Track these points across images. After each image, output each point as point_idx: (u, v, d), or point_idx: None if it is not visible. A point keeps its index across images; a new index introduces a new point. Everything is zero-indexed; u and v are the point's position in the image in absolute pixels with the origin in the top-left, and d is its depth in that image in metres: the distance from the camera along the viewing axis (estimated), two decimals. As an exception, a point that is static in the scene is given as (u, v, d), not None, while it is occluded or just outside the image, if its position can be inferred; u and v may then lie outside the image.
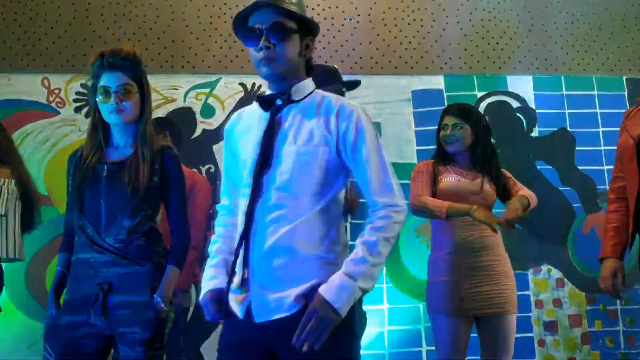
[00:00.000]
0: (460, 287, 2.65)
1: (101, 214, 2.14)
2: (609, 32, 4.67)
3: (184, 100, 4.20)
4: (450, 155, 2.84)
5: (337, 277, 1.57)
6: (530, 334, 4.11)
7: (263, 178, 1.65)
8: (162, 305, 2.11)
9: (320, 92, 1.77)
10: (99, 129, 2.23)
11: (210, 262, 1.79)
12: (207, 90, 4.22)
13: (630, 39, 4.68)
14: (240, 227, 1.68)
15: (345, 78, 2.81)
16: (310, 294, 1.58)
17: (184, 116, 4.11)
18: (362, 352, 2.62)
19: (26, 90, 4.10)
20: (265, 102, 1.73)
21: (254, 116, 1.76)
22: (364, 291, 1.59)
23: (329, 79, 2.63)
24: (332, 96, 1.76)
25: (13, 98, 4.08)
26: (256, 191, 1.65)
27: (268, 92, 1.75)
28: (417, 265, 4.01)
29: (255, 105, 1.79)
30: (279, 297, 1.60)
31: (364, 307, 2.84)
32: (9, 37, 4.22)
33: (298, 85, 1.73)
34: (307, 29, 1.73)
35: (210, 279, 1.75)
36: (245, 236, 1.65)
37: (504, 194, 2.86)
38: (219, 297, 1.71)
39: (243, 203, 1.69)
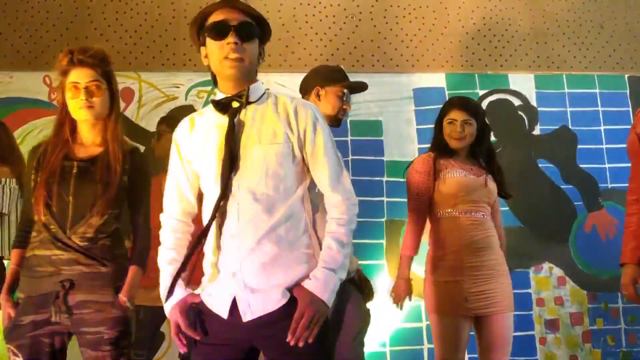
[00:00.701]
0: (464, 287, 2.65)
1: (68, 211, 2.11)
2: (611, 30, 4.65)
3: (186, 99, 4.19)
4: (451, 149, 2.84)
5: (320, 272, 1.64)
6: (532, 332, 4.11)
7: (232, 180, 1.67)
8: (128, 304, 2.09)
9: (271, 92, 1.80)
10: (66, 126, 2.21)
11: (166, 274, 1.77)
12: (209, 88, 4.22)
13: (632, 37, 4.66)
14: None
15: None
16: (294, 288, 1.64)
17: (186, 114, 4.04)
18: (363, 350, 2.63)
19: (28, 88, 4.10)
20: (222, 105, 1.74)
21: (209, 121, 1.77)
22: (342, 281, 1.69)
23: (334, 79, 2.59)
24: (286, 96, 1.81)
25: (14, 96, 4.09)
26: (226, 194, 1.66)
27: (220, 95, 1.77)
28: (418, 263, 4.00)
29: (207, 110, 1.80)
30: (266, 293, 1.63)
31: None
32: (10, 35, 4.22)
33: (254, 86, 1.76)
34: (264, 37, 1.78)
35: (171, 291, 1.74)
36: (220, 239, 1.67)
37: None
38: (187, 307, 1.72)
39: (208, 208, 1.71)
